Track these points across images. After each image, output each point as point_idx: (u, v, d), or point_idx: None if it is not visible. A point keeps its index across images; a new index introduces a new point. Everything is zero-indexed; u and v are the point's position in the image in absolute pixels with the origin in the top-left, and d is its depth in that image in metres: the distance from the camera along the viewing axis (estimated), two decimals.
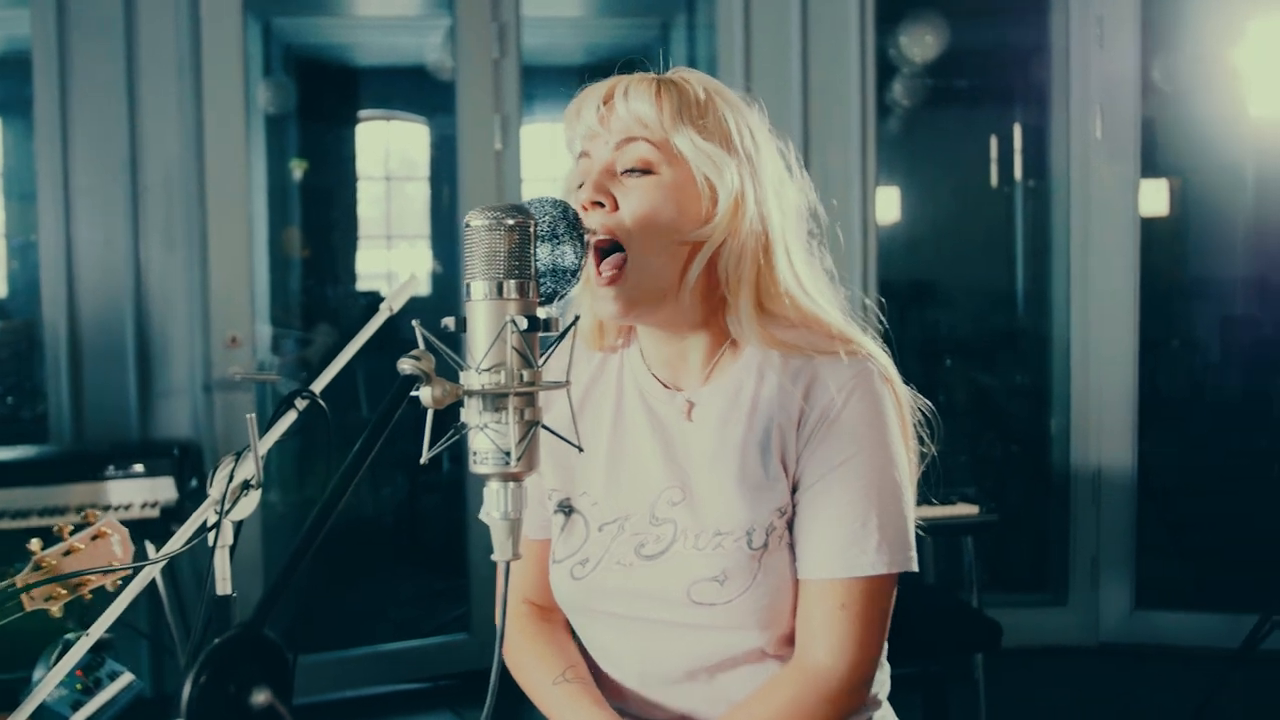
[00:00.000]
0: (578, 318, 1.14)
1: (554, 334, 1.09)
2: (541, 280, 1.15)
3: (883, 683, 1.51)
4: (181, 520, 3.52)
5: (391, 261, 7.00)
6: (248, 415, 1.45)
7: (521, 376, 1.03)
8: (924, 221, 5.98)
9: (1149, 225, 4.30)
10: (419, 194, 7.13)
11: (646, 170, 1.33)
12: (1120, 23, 4.14)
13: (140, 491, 3.42)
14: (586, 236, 1.18)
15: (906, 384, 1.44)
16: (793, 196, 1.42)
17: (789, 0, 4.01)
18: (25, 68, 3.73)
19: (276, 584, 0.87)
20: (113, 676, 2.51)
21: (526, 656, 1.52)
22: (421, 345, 1.08)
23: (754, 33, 3.99)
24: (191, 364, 3.81)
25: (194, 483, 3.64)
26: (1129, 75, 4.15)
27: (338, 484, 0.96)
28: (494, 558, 1.06)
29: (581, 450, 1.10)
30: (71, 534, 1.63)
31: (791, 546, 1.36)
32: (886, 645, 1.50)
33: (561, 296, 1.16)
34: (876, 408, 1.36)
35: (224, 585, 1.55)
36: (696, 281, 1.34)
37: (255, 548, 3.88)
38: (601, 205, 1.32)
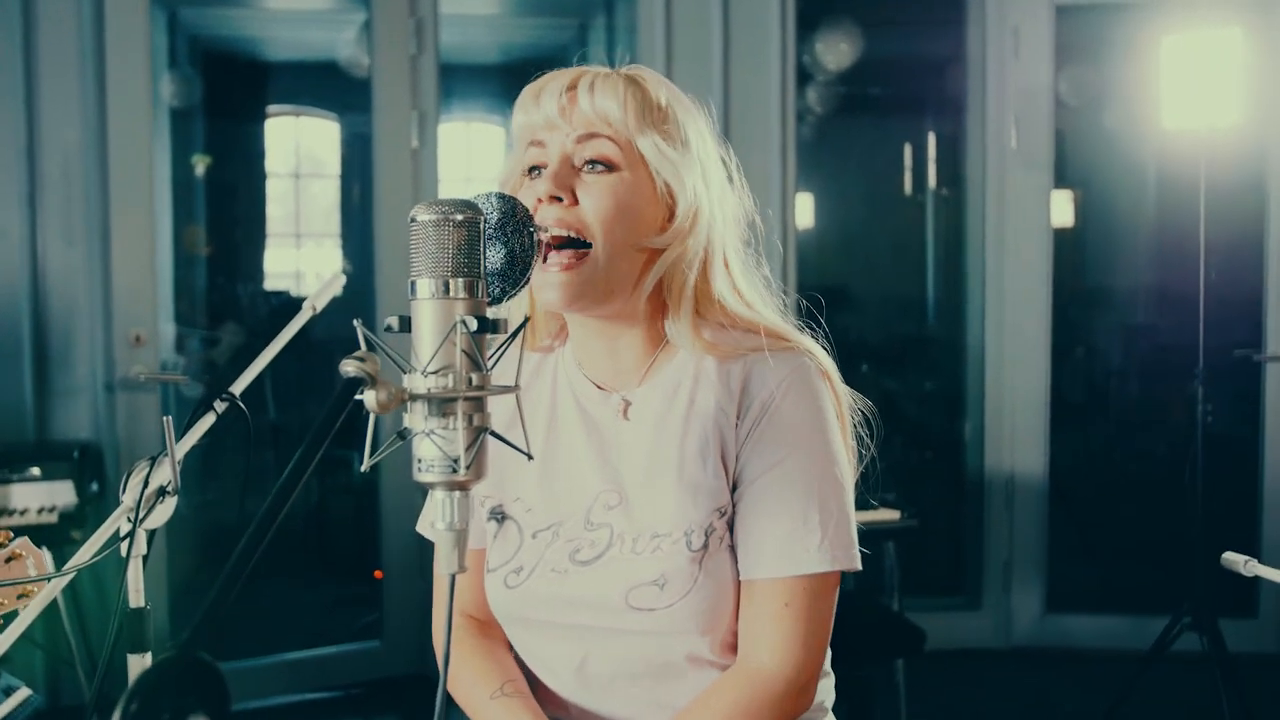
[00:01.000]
0: (528, 318, 1.09)
1: (501, 336, 1.04)
2: (490, 280, 1.10)
3: (827, 690, 1.49)
4: (81, 526, 3.39)
5: (300, 260, 6.84)
6: (165, 418, 1.38)
7: (470, 380, 0.98)
8: (836, 228, 6.03)
9: (1054, 235, 4.38)
10: (328, 192, 6.98)
11: (609, 167, 1.29)
12: (1035, 35, 4.21)
13: (37, 496, 3.27)
14: (537, 234, 1.13)
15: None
16: (732, 204, 1.41)
17: (710, 4, 4.00)
18: None
19: (213, 602, 0.81)
20: (9, 692, 2.40)
21: (463, 671, 1.46)
22: (363, 346, 1.02)
23: (675, 36, 3.97)
24: (93, 362, 3.66)
25: (95, 486, 3.49)
26: (1043, 86, 4.22)
27: (278, 493, 0.90)
28: (439, 571, 1.01)
29: (531, 458, 1.06)
30: None
31: (732, 548, 1.34)
32: (830, 652, 1.48)
33: (510, 296, 1.11)
34: (815, 403, 1.34)
35: (137, 597, 1.47)
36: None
37: (159, 554, 3.74)
38: (560, 200, 1.28)
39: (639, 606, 1.31)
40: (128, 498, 1.41)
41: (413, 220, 1.00)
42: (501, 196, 1.13)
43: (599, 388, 1.41)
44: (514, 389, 1.04)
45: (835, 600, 1.36)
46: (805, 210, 5.82)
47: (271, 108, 6.21)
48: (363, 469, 1.00)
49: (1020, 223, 4.29)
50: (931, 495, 5.01)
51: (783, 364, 1.34)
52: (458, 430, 0.97)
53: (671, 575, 1.31)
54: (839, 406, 1.39)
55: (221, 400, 1.56)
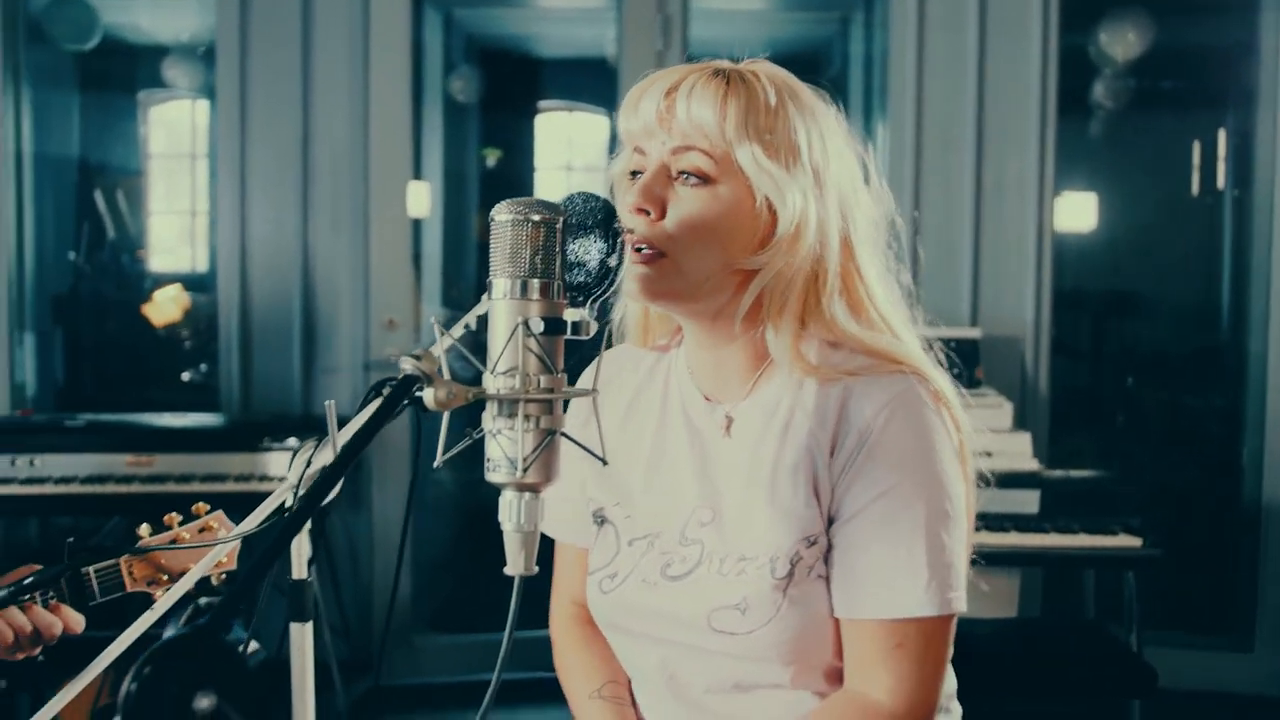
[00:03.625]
0: (607, 322, 1.07)
1: (584, 338, 1.03)
2: (573, 281, 1.08)
3: None
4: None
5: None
6: (327, 402, 1.44)
7: (539, 382, 0.97)
8: (1121, 229, 5.64)
9: None
10: (596, 184, 7.17)
11: (703, 179, 1.23)
12: None
13: None
14: (623, 236, 1.11)
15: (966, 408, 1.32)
16: (867, 209, 1.31)
17: None
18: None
19: (235, 590, 0.84)
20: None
21: (569, 662, 1.48)
22: (441, 343, 1.04)
23: (928, 30, 3.82)
24: (353, 343, 3.91)
25: None
26: None
27: (315, 487, 0.92)
28: (507, 570, 1.01)
29: (605, 463, 1.04)
30: (181, 524, 1.66)
31: (825, 580, 1.26)
32: (955, 682, 1.40)
33: (595, 299, 1.09)
34: (922, 431, 1.24)
35: (300, 570, 1.55)
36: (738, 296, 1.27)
37: (400, 522, 3.96)
38: (647, 213, 1.23)
39: (720, 629, 1.27)
40: (291, 475, 1.49)
41: (492, 219, 1.00)
42: (589, 195, 1.11)
43: (706, 398, 1.36)
44: (591, 392, 1.03)
45: (950, 638, 1.27)
46: (1088, 211, 5.49)
47: (543, 103, 6.43)
48: (434, 465, 1.01)
49: None
50: (1202, 520, 4.62)
51: (885, 389, 1.25)
52: (520, 432, 0.97)
53: (753, 601, 1.25)
54: (959, 435, 1.28)
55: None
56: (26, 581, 1.39)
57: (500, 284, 0.99)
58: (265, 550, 0.89)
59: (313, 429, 3.66)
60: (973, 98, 3.80)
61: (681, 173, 1.24)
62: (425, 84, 4.88)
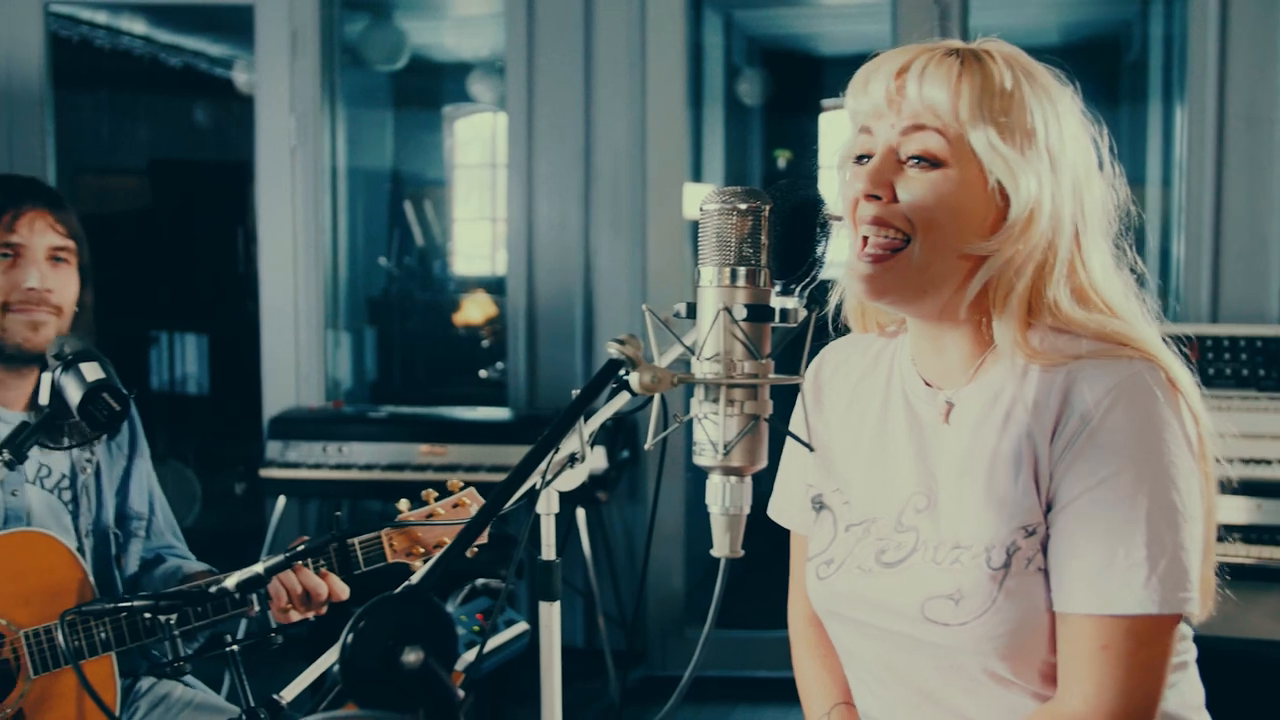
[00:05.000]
0: (814, 312, 1.06)
1: (792, 325, 1.04)
2: (784, 268, 1.09)
3: None
4: (608, 488, 3.76)
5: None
6: (573, 390, 1.52)
7: (743, 367, 0.99)
8: None
9: None
10: None
11: (934, 162, 1.20)
12: None
13: None
14: (831, 224, 1.11)
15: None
16: (1099, 193, 1.26)
17: None
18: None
19: (445, 554, 0.91)
20: (509, 624, 2.75)
21: (805, 675, 1.49)
22: (650, 330, 1.07)
23: (1232, 8, 3.54)
24: None
25: (626, 453, 3.86)
26: None
27: (522, 464, 0.97)
28: (713, 552, 1.03)
29: (812, 450, 1.05)
30: (436, 500, 1.79)
31: (1046, 573, 1.20)
32: (1203, 692, 1.30)
33: (806, 287, 1.09)
34: (1150, 416, 1.16)
35: (548, 551, 1.63)
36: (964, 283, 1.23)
37: (676, 529, 4.05)
38: (878, 198, 1.22)
39: (934, 619, 1.23)
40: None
41: (701, 209, 1.02)
42: (801, 184, 1.12)
43: (927, 384, 1.33)
44: (796, 380, 1.04)
45: (1169, 644, 1.18)
46: None
47: (826, 101, 6.41)
48: (645, 448, 1.05)
49: None
50: None
51: (1111, 373, 1.19)
52: (724, 416, 0.99)
53: (968, 591, 1.21)
54: (1196, 426, 1.20)
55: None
56: (299, 549, 1.54)
57: (708, 272, 1.01)
58: (481, 511, 0.96)
59: None
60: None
61: (912, 157, 1.22)
62: (706, 87, 4.97)
